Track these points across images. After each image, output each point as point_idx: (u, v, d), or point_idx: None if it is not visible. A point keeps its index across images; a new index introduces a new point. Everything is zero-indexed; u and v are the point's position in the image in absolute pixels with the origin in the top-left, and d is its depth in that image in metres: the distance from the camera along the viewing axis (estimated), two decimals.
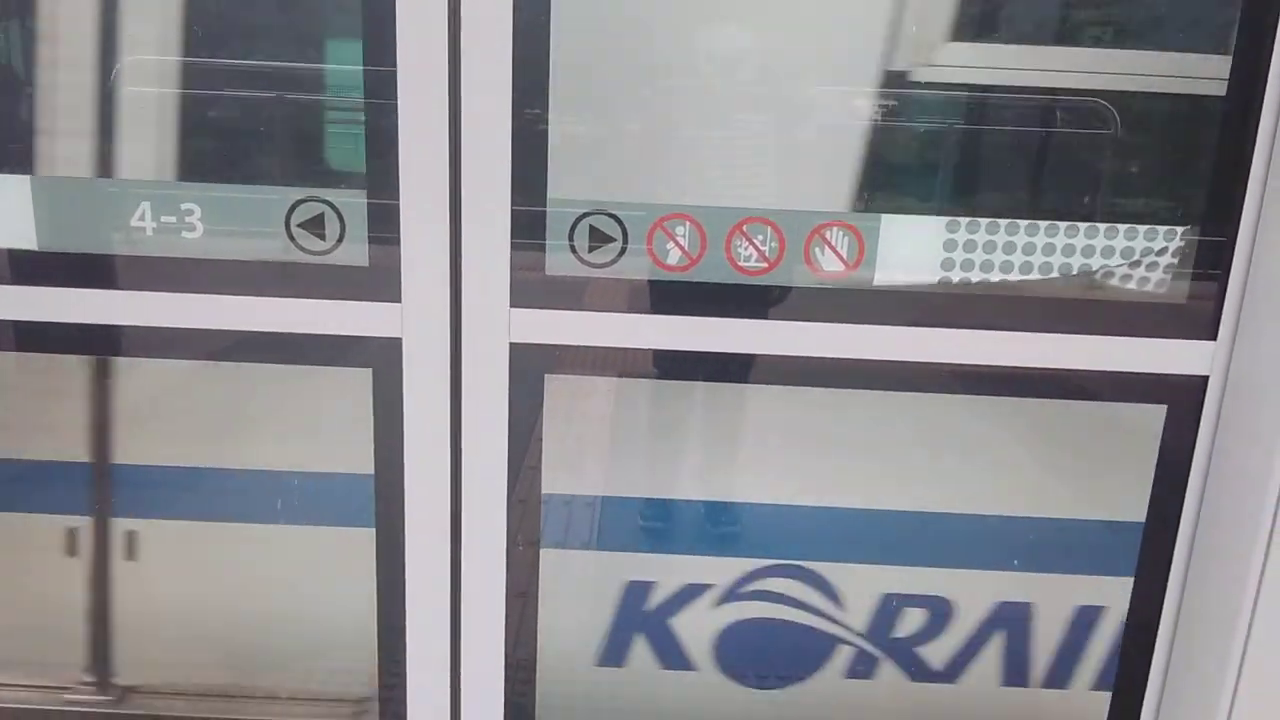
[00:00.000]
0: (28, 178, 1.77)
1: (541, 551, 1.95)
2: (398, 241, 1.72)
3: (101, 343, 1.83)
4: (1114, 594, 1.95)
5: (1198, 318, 1.75)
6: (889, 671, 2.08)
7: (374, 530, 1.89)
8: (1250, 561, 1.69)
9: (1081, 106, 1.77)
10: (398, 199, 1.70)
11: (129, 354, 1.89)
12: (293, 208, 1.75)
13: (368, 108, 1.70)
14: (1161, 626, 1.89)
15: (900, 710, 2.10)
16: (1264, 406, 1.67)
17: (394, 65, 1.65)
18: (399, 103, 1.66)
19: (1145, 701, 1.93)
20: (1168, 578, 1.87)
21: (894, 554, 2.02)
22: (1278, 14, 1.61)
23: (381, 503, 1.86)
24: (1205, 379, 1.76)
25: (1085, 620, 2.01)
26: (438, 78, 1.65)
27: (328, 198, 1.75)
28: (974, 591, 2.03)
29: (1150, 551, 1.88)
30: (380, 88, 1.67)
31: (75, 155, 1.80)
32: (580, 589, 2.05)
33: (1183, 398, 1.78)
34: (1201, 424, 1.78)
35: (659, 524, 2.07)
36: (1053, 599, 2.03)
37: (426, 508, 1.84)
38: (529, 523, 1.91)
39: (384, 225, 1.73)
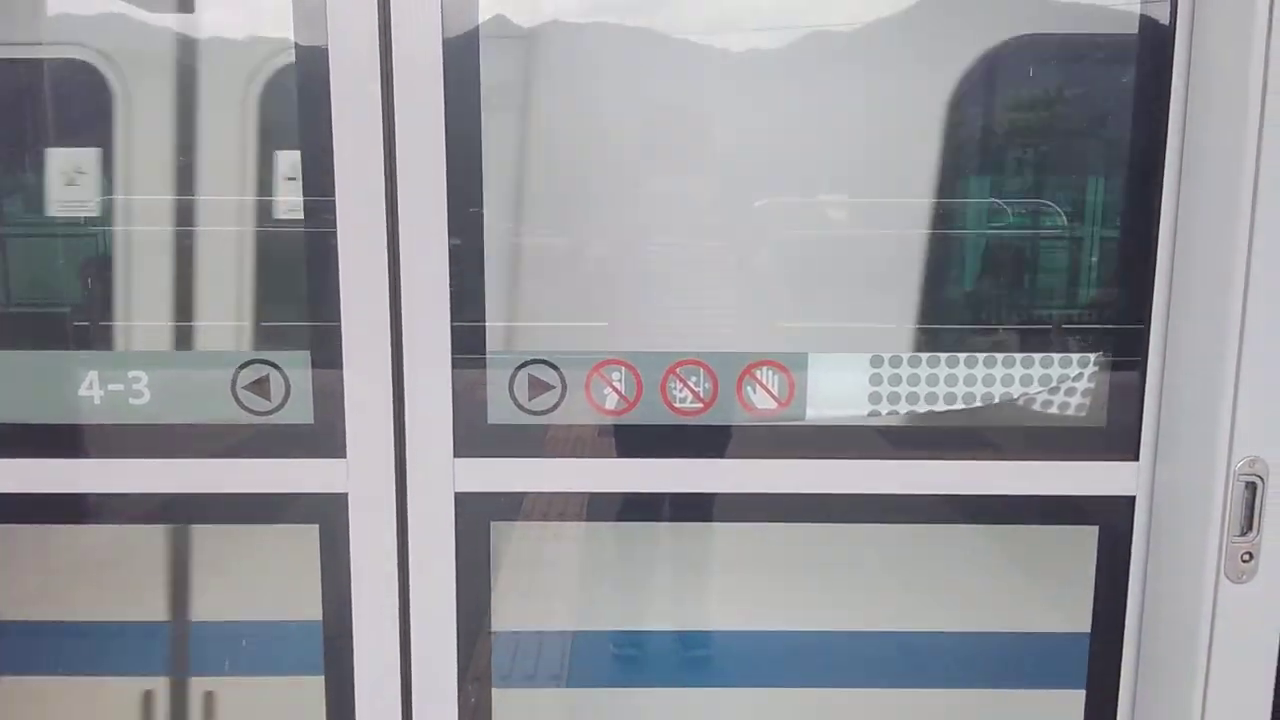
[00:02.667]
0: None
1: (494, 692, 1.95)
2: (341, 399, 1.76)
3: (49, 511, 1.85)
4: (1066, 707, 1.96)
5: (1120, 439, 1.80)
6: None
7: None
8: (1193, 678, 1.71)
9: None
10: (340, 357, 1.75)
11: (76, 521, 1.90)
12: (238, 370, 1.80)
13: (308, 269, 1.77)
14: None
15: None
16: (1189, 523, 1.71)
17: (334, 227, 1.72)
18: (340, 265, 1.73)
19: None
20: (1118, 691, 1.88)
21: (843, 675, 2.03)
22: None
23: (330, 656, 1.86)
24: (1133, 499, 1.81)
25: None
26: (376, 237, 1.72)
27: (272, 359, 1.80)
28: (926, 711, 2.04)
29: (1098, 665, 1.90)
30: (321, 248, 1.73)
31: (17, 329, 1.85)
32: None
33: (1113, 518, 1.82)
34: (1134, 542, 1.82)
35: (612, 658, 2.07)
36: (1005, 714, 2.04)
37: (376, 660, 1.84)
38: (479, 666, 1.91)
39: (327, 383, 1.77)
